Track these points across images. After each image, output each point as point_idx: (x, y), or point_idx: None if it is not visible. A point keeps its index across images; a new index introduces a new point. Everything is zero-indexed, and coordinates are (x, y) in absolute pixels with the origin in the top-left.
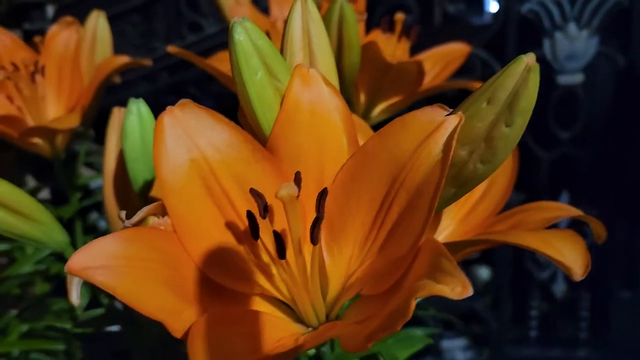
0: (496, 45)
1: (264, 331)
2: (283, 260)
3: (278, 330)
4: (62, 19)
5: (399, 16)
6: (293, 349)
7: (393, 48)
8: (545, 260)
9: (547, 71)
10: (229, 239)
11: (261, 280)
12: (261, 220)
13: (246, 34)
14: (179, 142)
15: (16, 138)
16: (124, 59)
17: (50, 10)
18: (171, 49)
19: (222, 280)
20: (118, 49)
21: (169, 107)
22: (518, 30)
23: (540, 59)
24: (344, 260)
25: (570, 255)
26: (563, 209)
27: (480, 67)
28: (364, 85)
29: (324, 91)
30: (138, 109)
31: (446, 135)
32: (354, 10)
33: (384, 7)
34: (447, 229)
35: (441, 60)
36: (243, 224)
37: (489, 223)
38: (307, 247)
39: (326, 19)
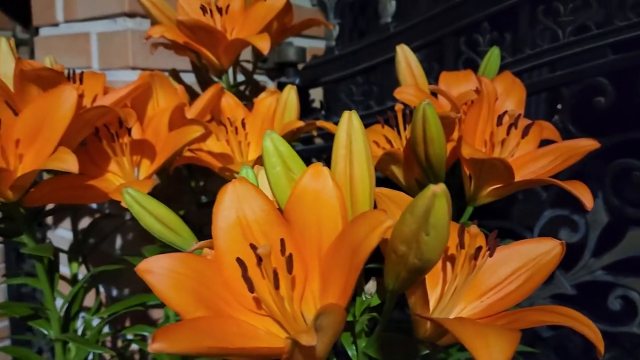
0: None
1: (253, 335)
2: (275, 291)
3: (265, 341)
4: (268, 89)
5: (511, 112)
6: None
7: (518, 139)
8: None
9: None
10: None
11: (263, 303)
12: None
13: (272, 141)
14: (232, 203)
15: (219, 169)
16: (299, 123)
17: (300, 66)
18: (319, 123)
19: (240, 299)
20: (340, 103)
21: (233, 180)
22: None
23: None
24: (329, 302)
25: (493, 353)
26: (571, 318)
27: None
28: (470, 172)
29: (328, 183)
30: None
31: (381, 231)
32: (435, 111)
33: (574, 88)
34: (474, 309)
35: (564, 154)
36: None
37: (505, 313)
38: (309, 287)
39: (414, 117)
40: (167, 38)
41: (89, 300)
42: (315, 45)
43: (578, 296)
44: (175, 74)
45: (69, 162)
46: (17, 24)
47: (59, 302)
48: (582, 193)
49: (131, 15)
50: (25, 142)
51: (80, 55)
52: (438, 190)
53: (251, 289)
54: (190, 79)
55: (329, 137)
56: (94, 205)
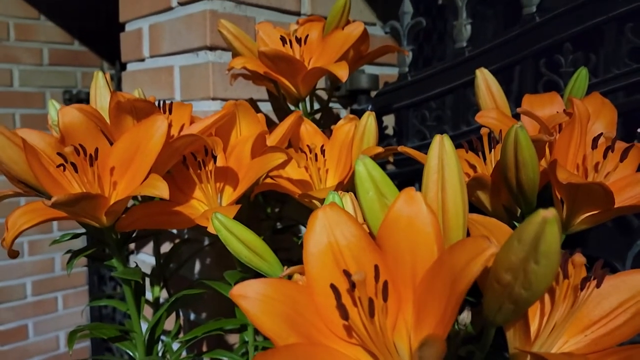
0: None
1: None
2: (369, 319)
3: None
4: (346, 116)
5: (607, 134)
6: None
7: (614, 163)
8: None
9: None
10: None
11: (355, 332)
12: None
13: (364, 166)
14: (323, 229)
15: (299, 196)
16: (378, 149)
17: (372, 93)
18: (401, 148)
19: (331, 326)
20: (413, 129)
21: (323, 205)
22: None
23: None
24: (425, 333)
25: None
26: None
27: None
28: (562, 197)
29: (422, 209)
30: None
31: (484, 259)
32: (527, 134)
33: None
34: (578, 344)
35: None
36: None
37: (613, 350)
38: (402, 316)
39: (504, 141)
40: (247, 69)
41: (168, 323)
42: (387, 72)
43: None
44: (253, 103)
45: (161, 189)
46: (103, 60)
47: (143, 324)
48: None
49: (212, 48)
50: (119, 170)
51: (164, 87)
52: (549, 215)
53: (345, 316)
54: (265, 107)
55: (403, 163)
56: (174, 231)
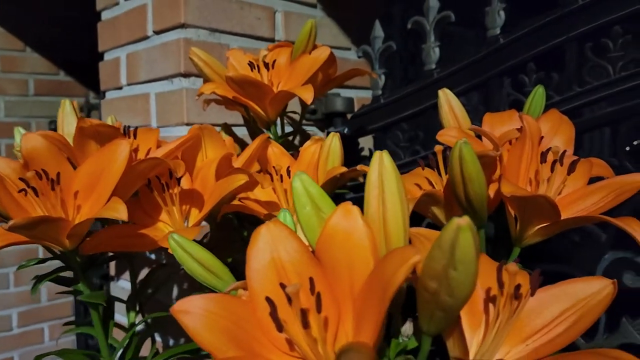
0: None
1: None
2: (306, 330)
3: None
4: (313, 137)
5: (554, 149)
6: None
7: (564, 176)
8: None
9: None
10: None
11: (295, 344)
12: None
13: (301, 182)
14: (267, 245)
15: (264, 217)
16: (342, 169)
17: (349, 116)
18: (360, 167)
19: (273, 340)
20: (388, 150)
21: (267, 222)
22: None
23: None
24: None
25: None
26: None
27: None
28: (514, 211)
29: (358, 222)
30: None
31: (408, 267)
32: (472, 150)
33: (630, 124)
34: (519, 353)
35: (616, 189)
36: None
37: (552, 357)
38: (342, 328)
39: (451, 157)
40: (217, 94)
41: (147, 350)
42: (362, 95)
43: None
44: (227, 127)
45: (120, 211)
46: (90, 91)
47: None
48: (635, 229)
49: (186, 75)
50: (83, 193)
51: (141, 114)
52: (462, 223)
53: (279, 328)
54: (241, 132)
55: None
56: (153, 256)
